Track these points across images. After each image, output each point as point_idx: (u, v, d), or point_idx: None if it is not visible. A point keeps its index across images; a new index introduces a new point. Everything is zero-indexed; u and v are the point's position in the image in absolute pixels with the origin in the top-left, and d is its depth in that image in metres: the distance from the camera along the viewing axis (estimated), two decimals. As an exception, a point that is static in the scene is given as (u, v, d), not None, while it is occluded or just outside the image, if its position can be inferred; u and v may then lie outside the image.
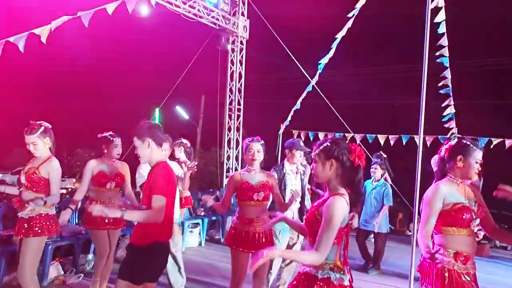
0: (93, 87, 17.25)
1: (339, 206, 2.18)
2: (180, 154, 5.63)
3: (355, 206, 5.93)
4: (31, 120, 3.60)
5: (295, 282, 2.35)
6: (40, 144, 3.50)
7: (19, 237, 3.47)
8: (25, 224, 3.44)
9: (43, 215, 3.50)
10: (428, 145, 7.77)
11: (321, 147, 2.31)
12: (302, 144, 4.57)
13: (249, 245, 3.60)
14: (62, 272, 5.00)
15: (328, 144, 2.30)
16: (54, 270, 4.95)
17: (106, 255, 4.14)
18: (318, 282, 2.21)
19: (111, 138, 4.15)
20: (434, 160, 3.89)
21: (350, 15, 6.51)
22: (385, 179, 6.35)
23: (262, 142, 3.83)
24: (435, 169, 3.55)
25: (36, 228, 3.44)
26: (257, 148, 3.74)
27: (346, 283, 2.26)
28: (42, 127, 3.54)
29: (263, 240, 3.66)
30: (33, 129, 3.50)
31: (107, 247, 4.14)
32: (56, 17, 4.78)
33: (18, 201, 3.57)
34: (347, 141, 2.37)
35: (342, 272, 2.26)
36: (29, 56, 4.96)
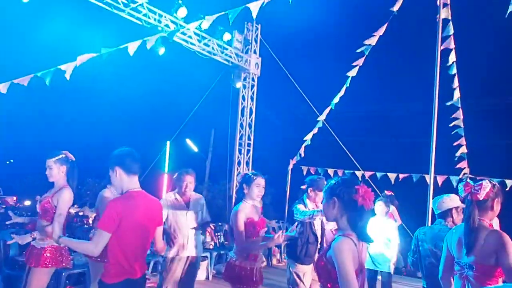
0: (107, 119, 17.63)
1: (345, 247, 2.08)
2: None
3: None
4: (43, 148, 3.72)
5: None
6: (54, 170, 3.56)
7: (29, 265, 3.49)
8: (37, 254, 3.47)
9: (54, 246, 3.50)
10: (440, 185, 7.80)
11: (328, 185, 2.29)
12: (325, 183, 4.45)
13: (250, 282, 3.58)
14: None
15: (334, 182, 2.27)
16: (65, 299, 4.97)
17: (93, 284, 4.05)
18: None
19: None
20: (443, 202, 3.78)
21: (358, 50, 6.73)
22: (391, 216, 6.34)
23: (265, 177, 3.80)
24: (438, 211, 3.61)
25: (47, 260, 3.46)
26: (263, 184, 3.73)
27: None
28: (63, 155, 3.62)
29: (259, 276, 3.67)
30: (52, 154, 3.59)
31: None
32: (75, 52, 5.03)
33: (31, 228, 3.64)
34: (360, 181, 2.29)
35: None
36: (47, 88, 5.18)
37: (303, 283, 4.23)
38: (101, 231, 2.54)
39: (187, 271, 4.66)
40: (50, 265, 3.47)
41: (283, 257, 9.64)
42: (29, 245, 3.57)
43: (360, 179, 8.94)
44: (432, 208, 3.80)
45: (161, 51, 7.59)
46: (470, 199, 2.66)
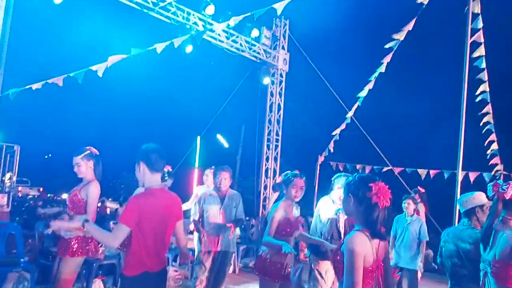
0: (140, 115, 18.11)
1: (357, 242, 2.10)
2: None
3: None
4: (79, 145, 3.90)
5: None
6: (82, 166, 3.70)
7: (59, 255, 3.68)
8: (65, 244, 3.63)
9: (80, 237, 3.65)
10: (472, 182, 7.58)
11: (346, 181, 2.32)
12: None
13: (279, 277, 3.65)
14: (104, 290, 5.25)
15: (351, 179, 2.29)
16: (97, 287, 5.20)
17: None
18: None
19: (166, 177, 4.29)
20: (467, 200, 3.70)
21: (387, 46, 6.62)
22: (417, 213, 6.24)
23: (304, 178, 3.82)
24: (463, 209, 3.51)
25: (73, 249, 3.61)
26: (301, 185, 3.77)
27: None
28: (88, 151, 3.76)
29: (290, 272, 3.74)
30: (79, 151, 3.74)
31: None
32: (107, 52, 5.22)
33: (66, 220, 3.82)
34: (378, 179, 2.27)
35: None
36: (81, 86, 5.41)
37: (324, 280, 4.23)
38: (122, 225, 2.61)
39: (218, 265, 4.79)
40: (77, 255, 3.62)
41: (310, 252, 9.64)
42: (60, 238, 3.76)
43: (377, 176, 8.81)
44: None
45: (189, 49, 7.71)
46: (497, 198, 2.69)
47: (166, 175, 4.46)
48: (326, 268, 4.22)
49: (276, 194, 5.05)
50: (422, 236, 5.84)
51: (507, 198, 2.64)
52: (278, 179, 4.21)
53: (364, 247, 2.10)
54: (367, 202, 2.17)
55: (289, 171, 4.01)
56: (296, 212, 3.85)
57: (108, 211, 9.96)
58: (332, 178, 4.52)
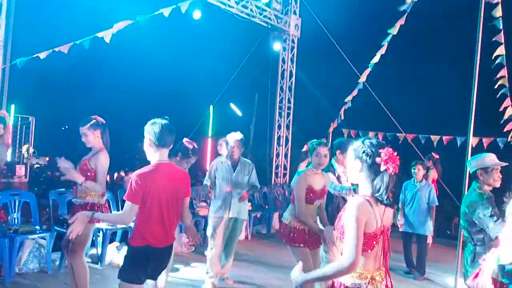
0: (151, 84, 18.09)
1: (357, 208, 2.08)
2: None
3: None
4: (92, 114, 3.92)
5: None
6: (90, 136, 3.72)
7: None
8: (77, 210, 3.64)
9: (94, 203, 3.73)
10: (485, 148, 7.44)
11: (352, 146, 2.27)
12: None
13: (303, 241, 3.76)
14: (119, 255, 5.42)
15: (360, 144, 2.22)
16: (112, 254, 5.37)
17: None
18: None
19: (191, 154, 4.33)
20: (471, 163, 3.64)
21: (401, 8, 6.40)
22: (426, 178, 6.22)
23: (328, 145, 3.86)
24: (470, 171, 3.45)
25: None
26: (325, 153, 3.80)
27: None
28: (94, 120, 3.76)
29: (314, 237, 3.81)
30: (84, 121, 3.74)
31: None
32: (112, 19, 5.17)
33: (75, 189, 3.86)
34: (386, 144, 2.22)
35: (377, 286, 2.15)
36: (92, 56, 5.40)
37: (335, 246, 4.27)
38: (128, 203, 2.64)
39: (229, 232, 4.91)
40: (89, 222, 3.73)
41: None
42: (72, 204, 3.85)
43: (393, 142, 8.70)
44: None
45: (197, 15, 7.53)
46: None
47: (190, 152, 4.46)
48: (337, 235, 4.26)
49: (304, 163, 5.07)
50: (432, 201, 5.84)
51: None
52: (305, 148, 4.23)
53: (366, 213, 2.08)
54: (376, 169, 2.14)
55: (315, 140, 3.99)
56: (322, 181, 3.88)
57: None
58: (334, 143, 4.51)
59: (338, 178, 4.27)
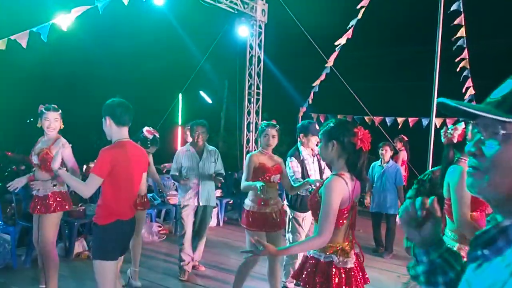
0: (117, 74, 17.62)
1: (336, 186, 2.19)
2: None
3: (364, 190, 5.94)
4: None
5: (301, 264, 2.41)
6: (59, 122, 3.73)
7: (36, 213, 3.71)
8: (42, 202, 3.67)
9: (57, 192, 3.72)
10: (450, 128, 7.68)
11: (325, 128, 2.34)
12: (317, 127, 4.34)
13: (266, 226, 3.78)
14: (87, 248, 5.33)
15: (332, 125, 2.32)
16: (79, 246, 5.28)
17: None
18: (321, 266, 2.25)
19: (149, 144, 4.48)
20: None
21: None
22: (395, 160, 6.36)
23: (278, 127, 3.91)
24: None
25: (52, 205, 3.67)
26: (273, 134, 3.86)
27: (350, 265, 2.28)
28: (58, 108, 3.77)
29: (278, 219, 3.86)
30: (54, 107, 3.72)
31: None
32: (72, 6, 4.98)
33: (33, 180, 3.77)
34: (357, 124, 2.38)
35: (346, 255, 2.27)
36: (52, 45, 5.20)
37: (301, 227, 4.36)
38: (94, 176, 2.73)
39: (200, 220, 4.90)
40: (56, 210, 3.70)
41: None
42: (33, 196, 3.77)
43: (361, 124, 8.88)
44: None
45: (159, 1, 7.26)
46: (447, 143, 2.73)
47: (148, 142, 4.43)
48: (303, 216, 4.35)
49: None
50: (398, 181, 6.01)
51: (455, 141, 2.67)
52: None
53: (342, 191, 2.21)
54: (352, 147, 2.25)
55: (265, 121, 4.04)
56: (272, 161, 3.90)
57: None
58: (297, 126, 4.48)
59: (303, 161, 4.28)
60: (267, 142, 3.85)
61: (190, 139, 5.31)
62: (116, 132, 2.89)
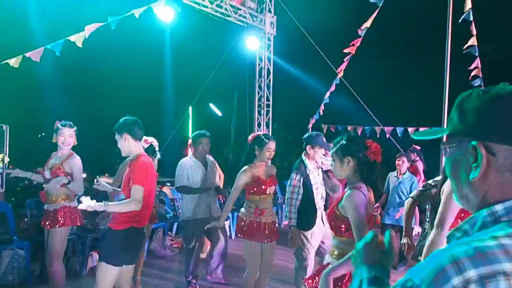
0: (128, 88, 17.82)
1: (357, 198, 2.26)
2: None
3: (378, 201, 5.87)
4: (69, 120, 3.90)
5: (316, 271, 2.45)
6: (73, 138, 3.82)
7: (46, 228, 3.78)
8: (51, 216, 3.72)
9: (66, 207, 3.75)
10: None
11: (338, 145, 2.39)
12: (324, 139, 4.26)
13: (258, 235, 3.79)
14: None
15: (344, 142, 2.38)
16: (93, 261, 5.28)
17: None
18: (346, 275, 2.22)
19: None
20: None
21: (372, 0, 6.48)
22: (412, 171, 6.27)
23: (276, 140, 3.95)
24: None
25: (61, 219, 3.70)
26: (274, 148, 3.88)
27: None
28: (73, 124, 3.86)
29: (272, 231, 3.87)
30: (69, 124, 3.82)
31: None
32: (83, 22, 5.08)
33: (44, 195, 3.85)
34: (366, 138, 2.47)
35: None
36: (65, 61, 5.30)
37: (310, 244, 4.19)
38: (138, 187, 2.93)
39: (213, 231, 4.78)
40: (66, 225, 3.74)
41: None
42: (44, 211, 3.81)
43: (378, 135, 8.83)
44: None
45: (170, 17, 7.23)
46: None
47: (156, 154, 4.43)
48: (311, 232, 4.18)
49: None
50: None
51: None
52: (250, 138, 4.15)
53: (363, 202, 2.28)
54: (367, 161, 2.33)
55: (260, 133, 4.06)
56: (267, 173, 3.90)
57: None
58: (304, 138, 4.32)
59: (308, 176, 4.12)
60: (270, 156, 3.87)
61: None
62: (135, 146, 3.12)
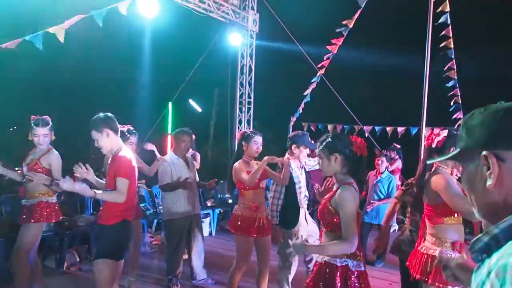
0: (107, 82, 17.48)
1: (350, 195, 2.34)
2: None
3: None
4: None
5: (315, 271, 2.46)
6: (48, 137, 3.72)
7: (21, 223, 3.67)
8: (27, 211, 3.63)
9: (44, 202, 3.66)
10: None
11: (324, 143, 2.45)
12: (309, 139, 4.26)
13: (254, 231, 3.81)
14: (78, 260, 5.26)
15: (330, 139, 2.44)
16: (71, 258, 5.20)
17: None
18: (338, 270, 2.34)
19: (128, 135, 4.28)
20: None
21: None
22: (392, 172, 6.38)
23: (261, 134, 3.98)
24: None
25: (36, 215, 3.61)
26: (261, 141, 3.93)
27: (363, 268, 2.42)
28: (49, 120, 3.76)
29: (266, 225, 3.89)
30: (45, 121, 3.70)
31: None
32: (68, 15, 4.97)
33: (22, 191, 3.76)
34: (345, 132, 2.56)
35: (358, 259, 2.40)
36: (42, 53, 5.16)
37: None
38: (123, 179, 2.97)
39: (193, 228, 4.82)
40: (40, 220, 3.64)
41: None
42: (22, 207, 3.71)
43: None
44: None
45: (154, 12, 7.11)
46: (427, 146, 2.90)
47: (126, 132, 4.32)
48: (295, 230, 4.13)
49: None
50: (392, 192, 6.01)
51: (433, 146, 2.81)
52: (238, 137, 4.20)
53: (356, 198, 2.37)
54: (354, 156, 2.41)
55: (246, 130, 4.10)
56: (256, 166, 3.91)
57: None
58: (290, 136, 4.37)
59: (291, 174, 4.10)
60: (257, 150, 3.90)
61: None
62: (116, 140, 3.12)
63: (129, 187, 3.04)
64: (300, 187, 4.17)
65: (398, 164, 7.61)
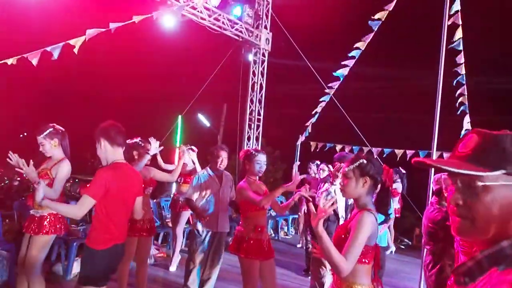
0: (120, 93, 17.75)
1: (368, 221, 2.15)
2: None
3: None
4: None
5: None
6: (46, 145, 3.60)
7: (29, 233, 3.57)
8: (36, 222, 3.55)
9: (53, 214, 3.59)
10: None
11: (356, 164, 2.26)
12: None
13: (261, 254, 3.73)
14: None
15: (364, 161, 2.26)
16: (78, 266, 5.20)
17: (128, 261, 4.18)
18: None
19: (142, 144, 4.25)
20: (434, 179, 3.91)
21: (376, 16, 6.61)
22: (395, 192, 6.38)
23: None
24: (435, 187, 3.64)
25: (46, 227, 3.55)
26: (264, 160, 3.84)
27: None
28: (50, 129, 3.64)
29: (269, 247, 3.84)
30: (41, 130, 3.61)
31: (130, 254, 4.16)
32: (83, 28, 5.08)
33: (31, 199, 3.72)
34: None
35: None
36: (61, 65, 5.28)
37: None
38: (87, 197, 2.68)
39: (215, 246, 4.62)
40: (50, 232, 3.57)
41: (290, 230, 9.87)
42: (28, 215, 3.68)
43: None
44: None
45: (170, 24, 7.33)
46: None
47: (140, 142, 4.30)
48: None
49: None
50: (390, 216, 5.98)
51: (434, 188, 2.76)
52: (241, 154, 4.13)
53: (373, 227, 2.17)
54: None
55: (249, 148, 4.07)
56: (260, 188, 3.91)
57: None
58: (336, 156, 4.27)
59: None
60: (260, 169, 3.81)
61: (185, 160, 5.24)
62: (111, 153, 2.89)
63: (121, 210, 2.87)
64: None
65: (398, 186, 7.59)
